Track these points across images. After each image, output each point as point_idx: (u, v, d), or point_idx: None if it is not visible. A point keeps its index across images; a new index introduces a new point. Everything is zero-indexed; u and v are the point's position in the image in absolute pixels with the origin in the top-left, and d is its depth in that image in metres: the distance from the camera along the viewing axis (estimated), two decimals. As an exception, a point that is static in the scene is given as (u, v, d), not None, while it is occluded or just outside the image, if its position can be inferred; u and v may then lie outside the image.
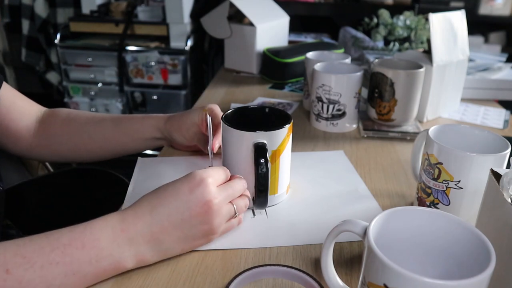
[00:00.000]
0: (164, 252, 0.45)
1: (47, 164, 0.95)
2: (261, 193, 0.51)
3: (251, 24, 1.15)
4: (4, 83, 0.64)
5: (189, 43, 1.86)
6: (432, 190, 0.53)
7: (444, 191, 0.52)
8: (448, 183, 0.51)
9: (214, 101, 1.01)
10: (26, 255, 0.38)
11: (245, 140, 0.52)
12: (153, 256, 0.45)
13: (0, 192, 0.62)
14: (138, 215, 0.44)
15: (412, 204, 0.59)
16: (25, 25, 2.06)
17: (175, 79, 1.91)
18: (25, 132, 0.68)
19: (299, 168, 0.67)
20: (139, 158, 0.68)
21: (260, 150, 0.51)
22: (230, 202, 0.49)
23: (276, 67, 1.14)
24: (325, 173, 0.67)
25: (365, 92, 0.95)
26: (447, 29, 0.85)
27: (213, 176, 0.47)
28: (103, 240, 0.41)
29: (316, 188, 0.62)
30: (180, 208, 0.44)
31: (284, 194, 0.59)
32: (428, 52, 0.91)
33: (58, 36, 1.94)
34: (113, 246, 0.42)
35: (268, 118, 0.59)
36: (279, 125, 0.53)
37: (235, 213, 0.49)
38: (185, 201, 0.44)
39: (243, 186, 0.50)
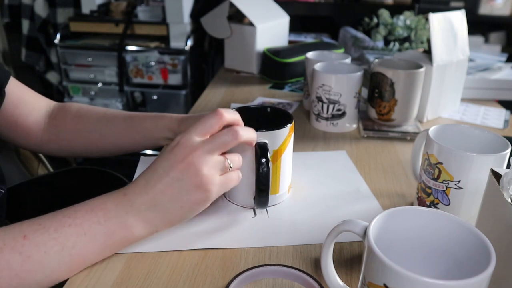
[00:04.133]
0: (165, 213, 0.46)
1: (47, 164, 0.95)
2: (262, 193, 0.51)
3: (251, 24, 1.15)
4: (12, 78, 0.64)
5: (189, 43, 1.86)
6: (432, 190, 0.53)
7: (444, 191, 0.52)
8: (448, 183, 0.51)
9: (214, 101, 1.01)
10: (41, 222, 0.42)
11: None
12: (155, 218, 0.46)
13: (2, 195, 0.62)
14: (136, 184, 0.47)
15: (412, 204, 0.59)
16: (25, 25, 2.06)
17: (175, 79, 1.91)
18: (35, 127, 0.68)
19: (301, 168, 0.67)
20: (141, 157, 0.68)
21: (261, 150, 0.51)
22: (221, 155, 0.48)
23: (276, 67, 1.14)
24: (327, 173, 0.67)
25: (365, 92, 0.95)
26: (447, 29, 0.85)
27: (195, 130, 0.47)
28: (109, 204, 0.45)
29: (317, 188, 0.62)
30: (166, 168, 0.46)
31: (286, 193, 0.59)
32: (428, 52, 0.91)
33: (58, 36, 1.94)
34: (118, 208, 0.45)
35: (269, 118, 0.59)
36: (280, 125, 0.53)
37: (230, 166, 0.48)
38: (167, 160, 0.46)
39: (230, 136, 0.47)
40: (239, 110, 0.59)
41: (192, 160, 0.45)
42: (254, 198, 0.53)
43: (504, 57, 1.22)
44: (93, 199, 0.46)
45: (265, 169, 0.50)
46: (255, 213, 0.56)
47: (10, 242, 0.40)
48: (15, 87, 0.65)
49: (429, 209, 0.38)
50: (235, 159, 0.50)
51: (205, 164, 0.46)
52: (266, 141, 0.52)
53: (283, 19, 1.29)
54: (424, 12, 1.54)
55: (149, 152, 1.76)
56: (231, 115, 0.49)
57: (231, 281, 0.43)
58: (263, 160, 0.50)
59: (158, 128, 0.66)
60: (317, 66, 0.83)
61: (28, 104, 0.67)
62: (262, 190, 0.51)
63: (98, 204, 0.45)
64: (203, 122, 0.47)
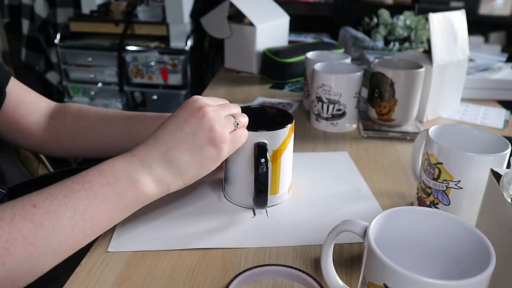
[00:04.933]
0: (178, 170, 0.46)
1: (47, 164, 0.95)
2: (261, 193, 0.51)
3: (251, 24, 1.15)
4: (12, 79, 0.64)
5: (189, 43, 1.86)
6: (432, 190, 0.53)
7: (444, 191, 0.52)
8: (448, 183, 0.51)
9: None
10: (50, 191, 0.41)
11: (246, 139, 0.52)
12: (168, 175, 0.46)
13: (3, 195, 0.62)
14: (145, 143, 0.47)
15: (412, 204, 0.59)
16: (25, 25, 2.06)
17: (175, 79, 1.91)
18: (35, 127, 0.67)
19: (302, 169, 0.67)
20: None
21: (260, 150, 0.51)
22: (229, 115, 0.50)
23: (276, 67, 1.14)
24: (328, 174, 0.67)
25: (365, 92, 0.95)
26: (447, 29, 0.85)
27: (205, 97, 0.49)
28: (117, 165, 0.44)
29: (318, 188, 0.62)
30: (179, 124, 0.46)
31: (286, 194, 0.59)
32: (428, 52, 0.91)
33: (58, 36, 1.94)
34: (127, 168, 0.44)
35: (269, 118, 0.59)
36: (280, 125, 0.53)
37: (237, 124, 0.50)
38: (181, 116, 0.47)
39: (235, 108, 0.51)
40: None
41: (207, 114, 0.46)
42: (253, 199, 0.53)
43: (504, 57, 1.21)
44: (99, 164, 0.45)
45: (264, 169, 0.50)
46: (254, 214, 0.56)
47: (21, 212, 0.39)
48: (16, 88, 0.65)
49: (429, 209, 0.38)
50: (241, 119, 0.51)
51: (218, 119, 0.47)
52: (266, 141, 0.52)
53: (283, 19, 1.29)
54: (424, 12, 1.54)
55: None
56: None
57: (231, 281, 0.43)
58: (262, 160, 0.50)
59: None
60: (317, 66, 0.83)
61: (29, 104, 0.67)
62: (261, 191, 0.51)
63: (105, 167, 0.44)
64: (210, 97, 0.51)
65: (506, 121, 0.90)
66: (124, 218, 0.45)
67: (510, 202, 0.37)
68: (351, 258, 0.48)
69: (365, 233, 0.35)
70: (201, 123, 0.46)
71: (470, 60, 1.12)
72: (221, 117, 0.48)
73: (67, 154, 0.72)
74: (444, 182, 0.51)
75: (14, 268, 0.37)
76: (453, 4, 2.08)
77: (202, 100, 0.48)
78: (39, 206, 0.40)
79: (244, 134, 0.51)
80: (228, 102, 0.52)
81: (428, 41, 1.17)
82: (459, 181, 0.50)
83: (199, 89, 1.99)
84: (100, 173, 0.43)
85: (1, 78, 0.62)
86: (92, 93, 1.97)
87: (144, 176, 0.44)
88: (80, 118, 0.68)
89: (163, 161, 0.45)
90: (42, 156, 0.96)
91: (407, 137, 0.80)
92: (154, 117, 0.67)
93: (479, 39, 2.09)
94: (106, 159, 0.68)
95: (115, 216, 0.44)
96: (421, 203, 0.56)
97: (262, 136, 0.52)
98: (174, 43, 1.87)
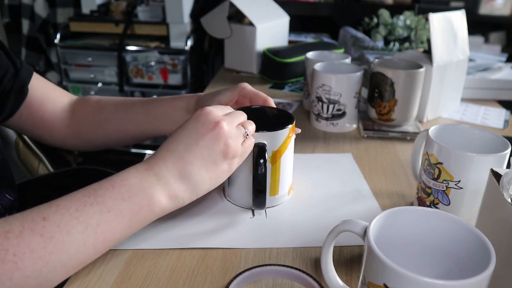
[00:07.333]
0: (195, 186, 0.45)
1: (47, 164, 0.95)
2: (259, 194, 0.51)
3: (251, 24, 1.15)
4: (35, 74, 0.64)
5: (189, 43, 1.86)
6: (432, 190, 0.53)
7: (444, 191, 0.52)
8: (448, 183, 0.51)
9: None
10: (60, 203, 0.40)
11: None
12: (185, 191, 0.45)
13: (11, 203, 0.61)
14: (158, 157, 0.45)
15: (412, 204, 0.59)
16: (25, 25, 2.06)
17: (175, 79, 1.91)
18: (59, 123, 0.68)
19: (304, 170, 0.67)
20: (147, 155, 0.69)
21: (259, 151, 0.51)
22: (239, 125, 0.50)
23: (276, 67, 1.14)
24: (330, 175, 0.66)
25: (365, 92, 0.95)
26: (447, 29, 0.85)
27: (215, 108, 0.48)
28: (131, 180, 0.43)
29: (318, 190, 0.62)
30: (193, 137, 0.45)
31: (286, 195, 0.59)
32: (428, 52, 0.91)
33: (58, 36, 1.94)
34: (141, 182, 0.43)
35: (270, 118, 0.59)
36: (281, 126, 0.53)
37: (246, 134, 0.50)
38: (195, 130, 0.46)
39: (243, 115, 0.51)
40: (241, 111, 0.59)
41: (223, 129, 0.46)
42: (252, 199, 0.53)
43: (504, 57, 1.22)
44: (110, 177, 0.43)
45: (263, 170, 0.50)
46: (253, 214, 0.56)
47: (30, 225, 0.37)
48: (39, 84, 0.65)
49: (429, 209, 0.38)
50: (249, 128, 0.51)
51: (231, 134, 0.47)
52: (265, 142, 0.52)
53: (283, 19, 1.29)
54: (424, 12, 1.54)
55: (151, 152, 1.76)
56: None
57: (231, 281, 0.43)
58: (261, 161, 0.50)
59: (175, 111, 0.66)
60: (317, 66, 0.83)
61: (54, 100, 0.67)
62: (259, 191, 0.51)
63: (118, 181, 0.42)
64: (224, 107, 0.51)
65: (506, 121, 0.90)
66: (136, 231, 0.44)
67: (510, 202, 0.37)
68: (351, 258, 0.48)
69: (365, 233, 0.35)
70: (216, 138, 0.45)
71: (470, 60, 1.12)
72: (234, 130, 0.48)
73: (88, 147, 0.72)
74: (444, 182, 0.51)
75: (20, 284, 0.36)
76: (453, 4, 2.08)
77: (215, 112, 0.47)
78: (49, 219, 0.38)
79: (252, 144, 0.51)
80: (232, 109, 0.52)
81: (428, 41, 1.17)
82: (459, 181, 0.50)
83: (199, 89, 1.99)
84: (113, 187, 0.42)
85: (24, 75, 0.62)
86: (92, 93, 1.97)
87: (160, 192, 0.43)
88: (100, 109, 0.68)
89: (180, 176, 0.45)
90: (42, 156, 0.96)
91: (407, 137, 0.80)
92: (171, 99, 0.66)
93: (479, 39, 2.09)
94: (105, 159, 0.68)
95: (127, 231, 0.43)
96: (421, 203, 0.56)
97: (262, 137, 0.52)
98: (174, 43, 1.87)
